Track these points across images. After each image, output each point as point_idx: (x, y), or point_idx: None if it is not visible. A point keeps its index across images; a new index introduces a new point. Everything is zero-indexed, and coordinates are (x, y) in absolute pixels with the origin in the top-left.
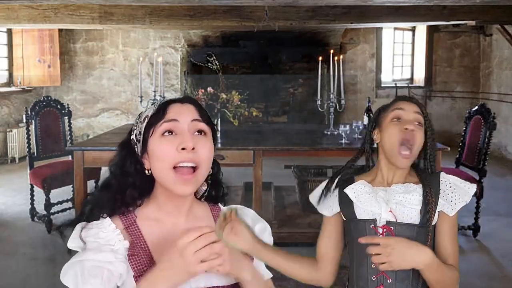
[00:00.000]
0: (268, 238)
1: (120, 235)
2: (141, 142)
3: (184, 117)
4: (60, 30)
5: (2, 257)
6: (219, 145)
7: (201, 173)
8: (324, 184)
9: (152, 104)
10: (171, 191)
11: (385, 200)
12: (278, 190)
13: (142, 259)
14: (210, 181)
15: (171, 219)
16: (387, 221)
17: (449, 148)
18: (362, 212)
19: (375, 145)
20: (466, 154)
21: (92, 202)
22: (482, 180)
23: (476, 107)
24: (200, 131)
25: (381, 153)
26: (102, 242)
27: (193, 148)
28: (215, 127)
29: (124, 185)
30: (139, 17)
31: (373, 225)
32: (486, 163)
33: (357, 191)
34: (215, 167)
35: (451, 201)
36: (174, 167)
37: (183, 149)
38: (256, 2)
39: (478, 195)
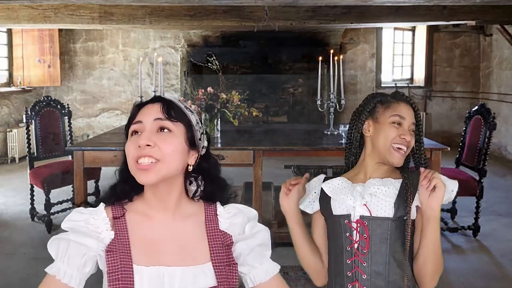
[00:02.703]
0: (260, 239)
1: (108, 224)
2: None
3: (147, 117)
4: (60, 30)
5: (2, 257)
6: (219, 145)
7: (163, 165)
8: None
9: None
10: (139, 182)
11: (361, 194)
12: (278, 190)
13: (119, 256)
14: (201, 180)
15: (159, 215)
16: (360, 215)
17: (449, 148)
18: (337, 207)
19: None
20: (466, 154)
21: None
22: (482, 180)
23: (476, 107)
24: (163, 129)
25: (368, 147)
26: (90, 228)
27: (148, 145)
28: (191, 122)
29: (121, 179)
30: (139, 17)
31: (347, 220)
32: (486, 163)
33: (333, 186)
34: (207, 164)
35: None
36: (137, 162)
37: (140, 146)
38: (256, 2)
39: (478, 195)
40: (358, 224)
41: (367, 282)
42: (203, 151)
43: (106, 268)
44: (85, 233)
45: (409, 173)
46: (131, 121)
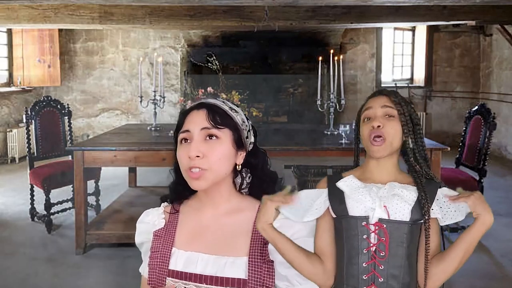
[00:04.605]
0: None
1: (162, 217)
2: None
3: (194, 125)
4: (60, 30)
5: (2, 257)
6: None
7: (210, 174)
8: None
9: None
10: (192, 188)
11: (378, 196)
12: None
13: (163, 240)
14: (246, 173)
15: (209, 210)
16: (379, 218)
17: (449, 148)
18: (354, 208)
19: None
20: (466, 154)
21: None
22: (482, 180)
23: (476, 107)
24: (211, 136)
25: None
26: (150, 223)
27: (198, 156)
28: (238, 125)
29: (176, 180)
30: (139, 17)
31: (365, 222)
32: (486, 163)
33: (350, 185)
34: (254, 158)
35: (445, 214)
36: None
37: (191, 157)
38: (256, 2)
39: None
40: (377, 227)
41: (384, 285)
42: (251, 147)
43: (150, 247)
44: (146, 230)
45: (421, 179)
46: (178, 128)
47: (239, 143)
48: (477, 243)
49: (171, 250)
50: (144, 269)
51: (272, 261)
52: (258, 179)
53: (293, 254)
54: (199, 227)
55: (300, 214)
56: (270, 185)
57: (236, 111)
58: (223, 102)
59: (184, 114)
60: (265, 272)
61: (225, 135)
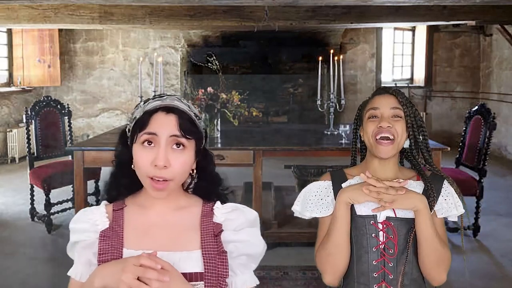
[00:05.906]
0: (252, 250)
1: (105, 216)
2: (129, 141)
3: (164, 130)
4: (60, 30)
5: (2, 257)
6: (219, 145)
7: (173, 184)
8: (307, 188)
9: (144, 103)
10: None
11: None
12: (278, 190)
13: (111, 240)
14: (196, 174)
15: (156, 208)
16: (387, 216)
17: (449, 148)
18: (362, 208)
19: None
20: (466, 154)
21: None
22: (482, 180)
23: (476, 107)
24: (179, 144)
25: (368, 149)
26: (90, 222)
27: (165, 166)
28: (202, 135)
29: (119, 173)
30: (139, 17)
31: (373, 221)
32: (486, 163)
33: None
34: (204, 161)
35: (443, 207)
36: (151, 178)
37: (157, 166)
38: (256, 2)
39: (478, 195)
40: (384, 225)
41: (394, 281)
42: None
43: (98, 250)
44: (85, 229)
45: (428, 176)
46: (141, 127)
47: (199, 151)
48: (429, 228)
49: (122, 251)
50: (75, 272)
51: (226, 252)
52: (205, 181)
53: (344, 237)
54: (147, 225)
55: (309, 209)
56: (215, 188)
57: (199, 118)
58: (188, 107)
59: (149, 114)
60: (219, 263)
61: (190, 145)
